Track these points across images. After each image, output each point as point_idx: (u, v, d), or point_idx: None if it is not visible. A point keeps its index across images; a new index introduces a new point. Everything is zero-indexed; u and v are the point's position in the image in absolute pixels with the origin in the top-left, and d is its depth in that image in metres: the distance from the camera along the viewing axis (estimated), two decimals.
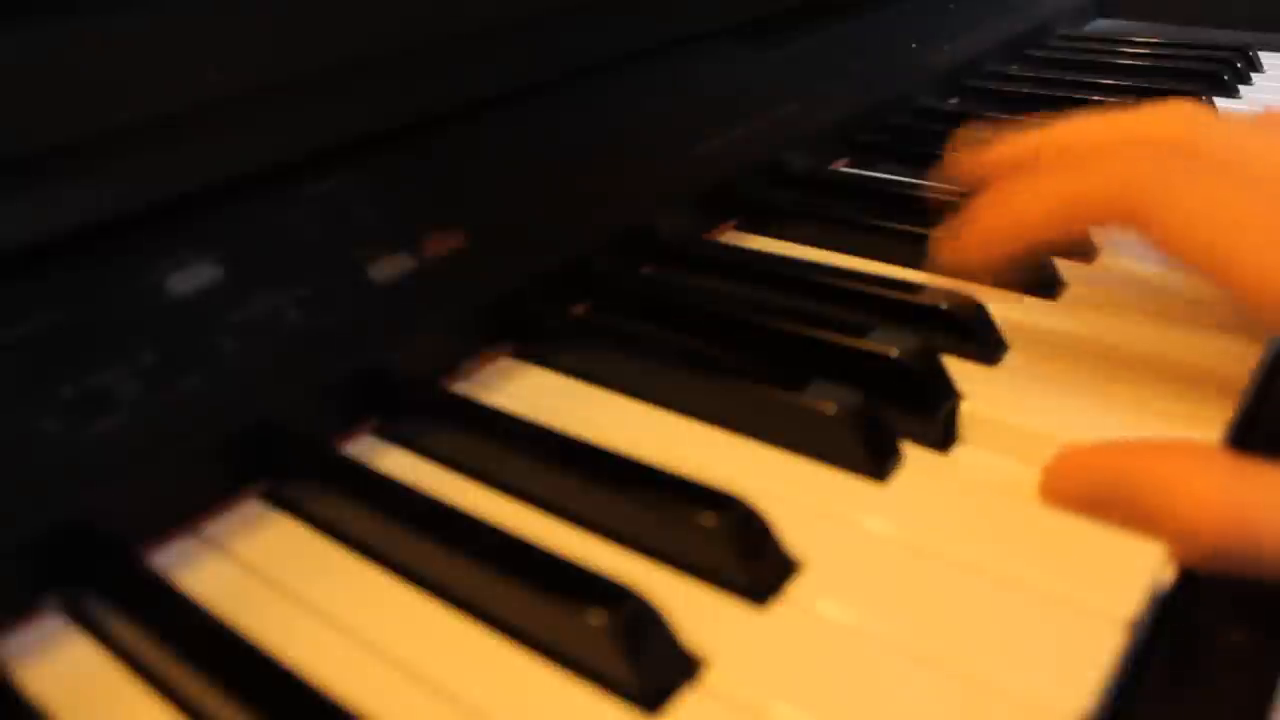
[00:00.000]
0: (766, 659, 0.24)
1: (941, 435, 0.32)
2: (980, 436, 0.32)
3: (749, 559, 0.26)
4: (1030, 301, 0.40)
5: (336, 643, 0.26)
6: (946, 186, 0.48)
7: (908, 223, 0.44)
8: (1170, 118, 0.34)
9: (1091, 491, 0.27)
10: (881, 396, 0.32)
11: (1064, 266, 0.41)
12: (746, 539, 0.26)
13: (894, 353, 0.33)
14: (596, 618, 0.23)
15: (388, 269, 0.35)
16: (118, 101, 0.30)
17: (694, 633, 0.25)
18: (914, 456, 0.31)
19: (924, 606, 0.25)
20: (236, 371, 0.31)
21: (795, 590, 0.26)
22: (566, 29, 0.44)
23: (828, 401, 0.31)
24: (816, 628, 0.25)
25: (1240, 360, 0.34)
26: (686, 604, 0.25)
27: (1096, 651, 0.23)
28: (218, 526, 0.30)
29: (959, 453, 0.31)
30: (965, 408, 0.33)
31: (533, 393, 0.36)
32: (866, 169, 0.56)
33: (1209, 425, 0.31)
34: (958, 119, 0.61)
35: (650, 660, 0.23)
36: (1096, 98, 0.63)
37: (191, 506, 0.30)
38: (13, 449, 0.27)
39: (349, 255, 0.34)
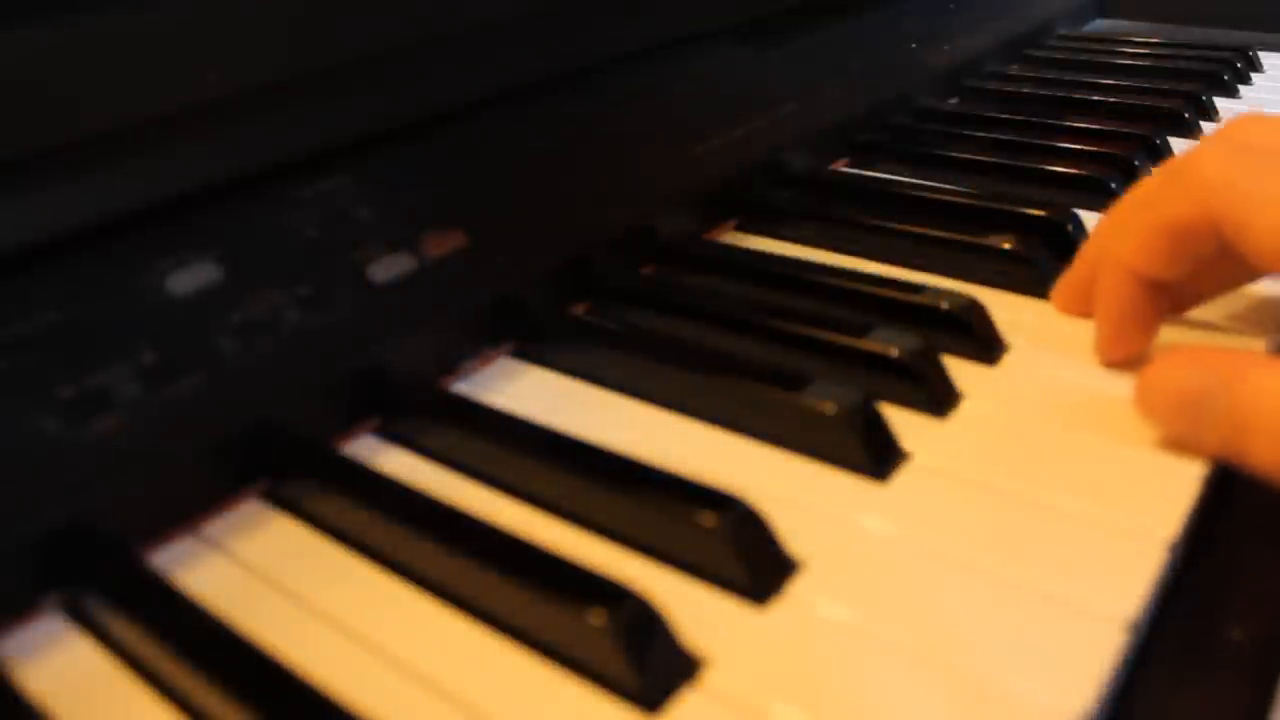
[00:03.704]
0: (766, 659, 0.24)
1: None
2: (980, 436, 0.32)
3: (749, 559, 0.26)
4: (1031, 301, 0.40)
5: (336, 642, 0.26)
6: (946, 187, 0.48)
7: (908, 223, 0.44)
8: (1233, 126, 0.33)
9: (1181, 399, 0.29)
10: (883, 396, 0.32)
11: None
12: (746, 539, 0.26)
13: (894, 352, 0.33)
14: (596, 618, 0.23)
15: (388, 269, 0.35)
16: (117, 101, 0.30)
17: (694, 633, 0.25)
18: (914, 457, 0.31)
19: (924, 606, 0.25)
20: (236, 371, 0.31)
21: (795, 590, 0.26)
22: (566, 29, 0.44)
23: (828, 401, 0.31)
24: (816, 628, 0.25)
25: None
26: (686, 604, 0.25)
27: (1096, 651, 0.23)
28: (218, 526, 0.30)
29: (959, 453, 0.31)
30: (965, 407, 0.33)
31: (533, 393, 0.36)
32: (866, 169, 0.56)
33: None
34: (958, 119, 0.62)
35: (650, 660, 0.23)
36: (1096, 98, 0.63)
37: (191, 506, 0.30)
38: (13, 449, 0.27)
39: (349, 255, 0.34)
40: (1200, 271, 0.35)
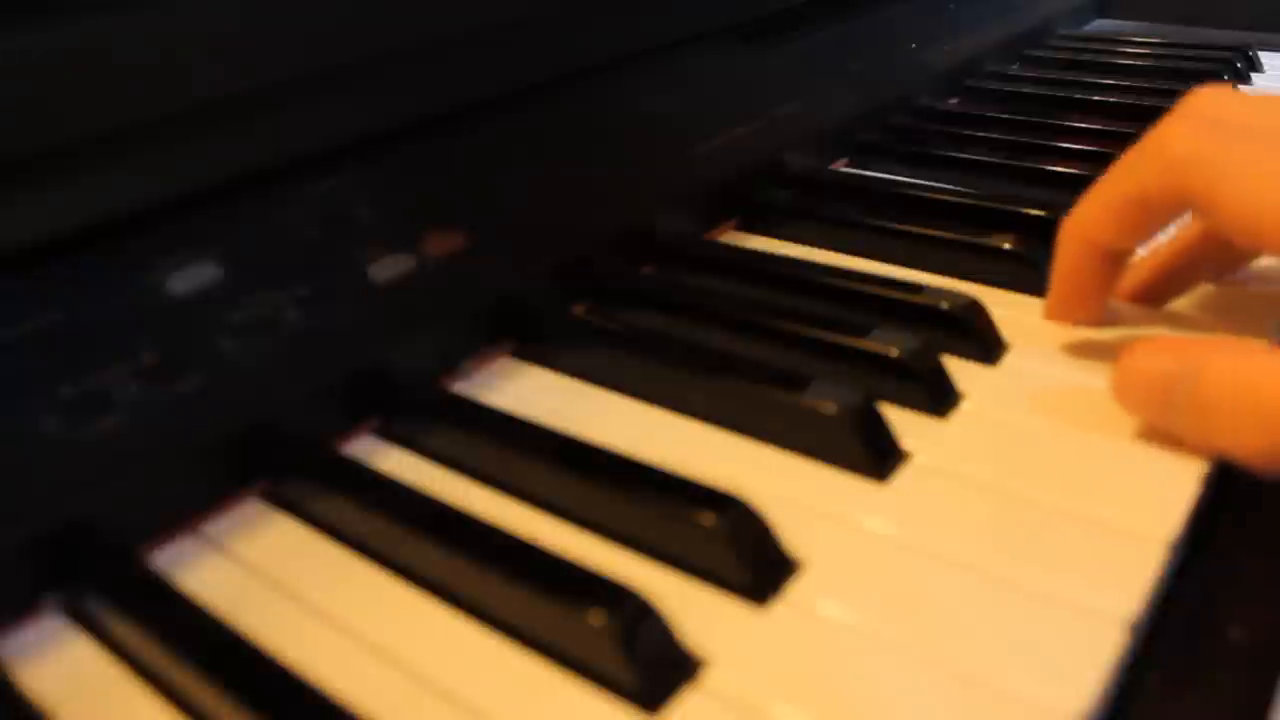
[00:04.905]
0: (766, 659, 0.24)
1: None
2: (980, 436, 0.32)
3: (749, 559, 0.26)
4: (1030, 302, 0.40)
5: (336, 642, 0.26)
6: (946, 187, 0.48)
7: (908, 223, 0.44)
8: (1196, 101, 0.34)
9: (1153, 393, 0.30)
10: (883, 396, 0.32)
11: None
12: (746, 539, 0.26)
13: (894, 352, 0.33)
14: (596, 618, 0.23)
15: (388, 269, 0.35)
16: (118, 101, 0.30)
17: (694, 633, 0.25)
18: (914, 457, 0.31)
19: (924, 607, 0.25)
20: (236, 371, 0.31)
21: (795, 590, 0.26)
22: (567, 29, 0.44)
23: (828, 401, 0.31)
24: (816, 628, 0.25)
25: None
26: (686, 604, 0.25)
27: (1096, 651, 0.23)
28: (218, 526, 0.30)
29: (959, 453, 0.31)
30: (965, 407, 0.33)
31: (533, 393, 0.36)
32: (866, 169, 0.56)
33: None
34: (958, 119, 0.62)
35: (650, 660, 0.23)
36: (1096, 98, 0.63)
37: (191, 506, 0.30)
38: (13, 449, 0.27)
39: (349, 255, 0.34)
40: (1192, 263, 0.37)
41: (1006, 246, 0.41)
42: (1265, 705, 0.23)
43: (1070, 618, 0.25)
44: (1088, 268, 0.35)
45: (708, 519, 0.26)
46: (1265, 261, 0.39)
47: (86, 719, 0.24)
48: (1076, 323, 0.37)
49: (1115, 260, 0.35)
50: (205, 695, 0.24)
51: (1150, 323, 0.37)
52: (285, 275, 0.33)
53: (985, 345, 0.36)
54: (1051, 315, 0.37)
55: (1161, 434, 0.30)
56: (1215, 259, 0.38)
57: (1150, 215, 0.33)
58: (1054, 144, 0.55)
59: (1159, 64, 0.71)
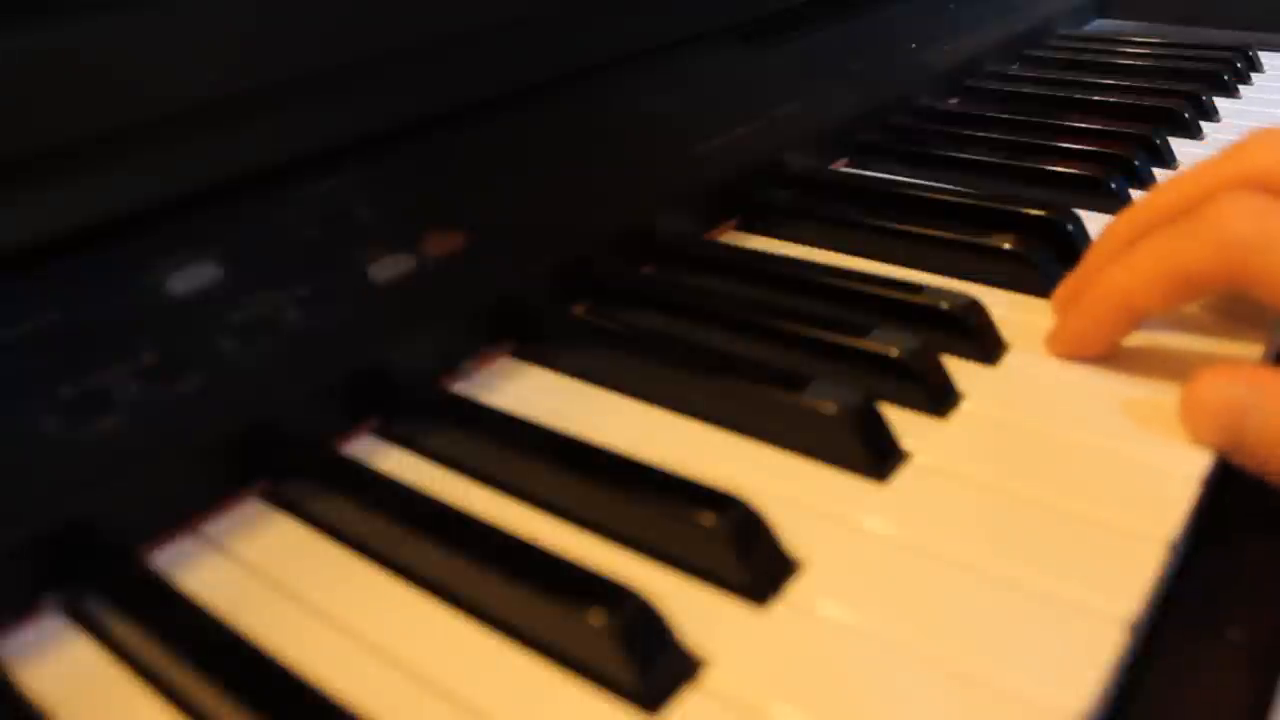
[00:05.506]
0: (766, 659, 0.24)
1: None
2: (980, 436, 0.32)
3: (749, 559, 0.26)
4: (1031, 301, 0.40)
5: (336, 642, 0.26)
6: (946, 187, 0.48)
7: (908, 223, 0.44)
8: (1261, 153, 0.32)
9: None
10: (883, 396, 0.32)
11: None
12: (746, 539, 0.26)
13: (894, 352, 0.33)
14: (596, 618, 0.23)
15: (388, 269, 0.35)
16: (118, 101, 0.30)
17: (694, 633, 0.25)
18: (914, 457, 0.31)
19: (924, 606, 0.25)
20: (236, 371, 0.31)
21: (795, 590, 0.26)
22: (567, 29, 0.44)
23: (828, 401, 0.31)
24: (817, 628, 0.25)
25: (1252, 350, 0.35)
26: (686, 604, 0.25)
27: (1096, 651, 0.23)
28: (218, 526, 0.30)
29: (959, 453, 0.31)
30: (965, 407, 0.33)
31: (533, 393, 0.36)
32: (866, 169, 0.56)
33: None
34: (958, 119, 0.62)
35: (650, 660, 0.23)
36: (1096, 98, 0.63)
37: (191, 506, 0.30)
38: (13, 449, 0.27)
39: (349, 255, 0.34)
40: None
41: (1006, 246, 0.41)
42: (1265, 705, 0.23)
43: (1070, 618, 0.25)
44: (1119, 327, 0.34)
45: (708, 519, 0.26)
46: None
47: (86, 719, 0.25)
48: (1084, 359, 0.35)
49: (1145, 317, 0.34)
50: (205, 695, 0.24)
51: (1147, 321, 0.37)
52: (285, 275, 0.33)
53: (985, 345, 0.36)
54: (1062, 350, 0.35)
55: (1225, 456, 0.30)
56: None
57: (1197, 291, 0.32)
58: (1054, 144, 0.55)
59: (1159, 64, 0.71)
